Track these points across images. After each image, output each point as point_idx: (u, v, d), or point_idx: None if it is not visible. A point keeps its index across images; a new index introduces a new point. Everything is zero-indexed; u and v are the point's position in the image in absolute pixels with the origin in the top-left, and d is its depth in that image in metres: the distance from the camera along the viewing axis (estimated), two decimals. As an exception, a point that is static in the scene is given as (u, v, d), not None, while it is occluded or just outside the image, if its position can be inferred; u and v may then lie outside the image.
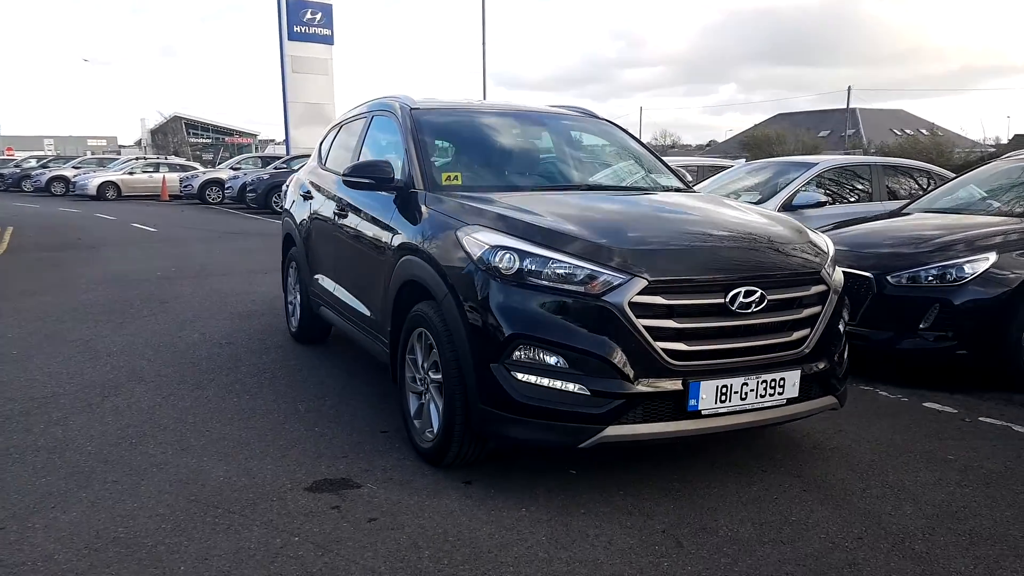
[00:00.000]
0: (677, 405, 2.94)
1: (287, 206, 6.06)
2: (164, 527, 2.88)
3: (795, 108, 73.58)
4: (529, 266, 2.99)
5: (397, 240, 3.77)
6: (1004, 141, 68.46)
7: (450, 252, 3.27)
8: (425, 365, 3.50)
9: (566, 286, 2.93)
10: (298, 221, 5.64)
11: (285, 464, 3.49)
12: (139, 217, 18.88)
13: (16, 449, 3.66)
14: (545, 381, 2.92)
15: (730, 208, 3.85)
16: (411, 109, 4.39)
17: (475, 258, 3.11)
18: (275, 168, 22.03)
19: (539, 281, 2.96)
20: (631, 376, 2.88)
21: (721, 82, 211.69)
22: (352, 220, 4.44)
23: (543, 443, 3.02)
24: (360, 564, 2.61)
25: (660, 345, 2.91)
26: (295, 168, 20.73)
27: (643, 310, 2.90)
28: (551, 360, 2.92)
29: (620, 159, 4.69)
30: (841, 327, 3.42)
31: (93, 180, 27.52)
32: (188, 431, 3.92)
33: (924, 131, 64.75)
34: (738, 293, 3.01)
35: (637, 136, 5.01)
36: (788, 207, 6.95)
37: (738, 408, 3.02)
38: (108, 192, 27.26)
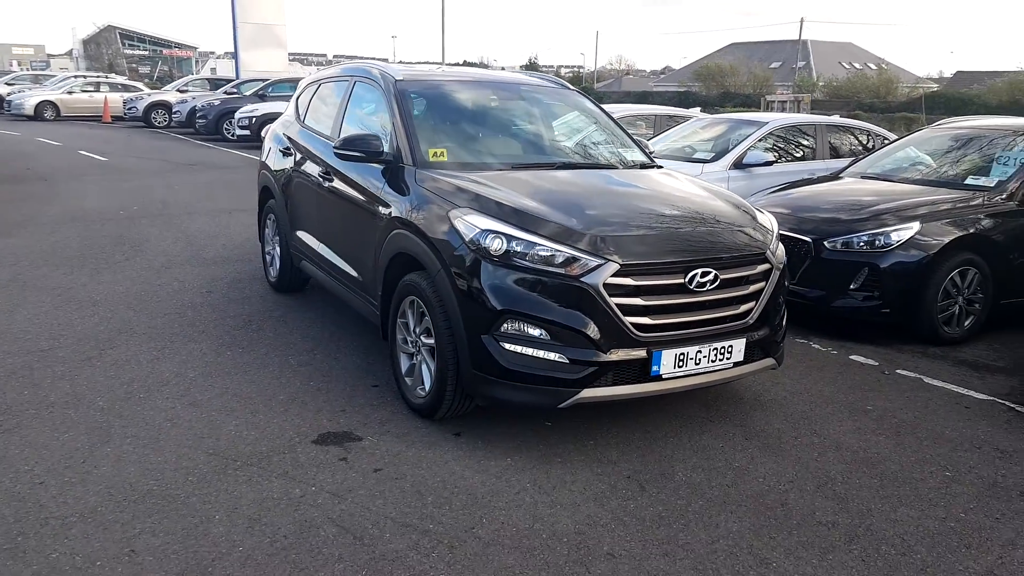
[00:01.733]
0: (642, 370, 3.40)
1: (264, 158, 6.25)
2: (191, 479, 3.26)
3: (749, 37, 73.95)
4: (515, 248, 3.37)
5: (389, 213, 4.08)
6: (948, 75, 70.01)
7: (442, 231, 3.62)
8: (417, 330, 3.88)
9: (549, 268, 3.33)
10: (277, 175, 5.87)
11: (289, 418, 3.87)
12: (85, 143, 18.44)
13: (30, 404, 3.96)
14: (529, 351, 3.34)
15: (689, 190, 4.26)
16: (395, 81, 4.64)
17: (467, 239, 3.47)
18: (226, 93, 21.53)
19: (524, 263, 3.35)
20: (603, 346, 3.33)
21: (676, 2, 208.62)
22: (340, 186, 4.71)
23: (527, 404, 3.47)
24: (373, 511, 3.04)
25: (628, 319, 3.35)
26: (247, 93, 20.49)
27: (615, 289, 3.33)
28: (534, 332, 3.34)
29: (590, 132, 5.02)
30: (781, 299, 3.90)
31: (30, 99, 26.51)
32: (191, 385, 4.25)
33: (872, 65, 65.84)
34: (696, 274, 3.46)
35: (602, 106, 5.34)
36: (739, 165, 7.39)
37: (693, 372, 3.51)
38: (46, 112, 26.34)
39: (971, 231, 5.29)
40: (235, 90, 21.91)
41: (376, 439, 3.67)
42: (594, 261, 3.32)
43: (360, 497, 3.14)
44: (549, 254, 3.34)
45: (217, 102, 20.36)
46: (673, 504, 3.15)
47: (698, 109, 14.01)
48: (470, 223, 3.51)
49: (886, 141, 8.06)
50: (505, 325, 3.36)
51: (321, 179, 4.99)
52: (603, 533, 2.93)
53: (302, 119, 5.81)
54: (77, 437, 3.62)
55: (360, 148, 4.25)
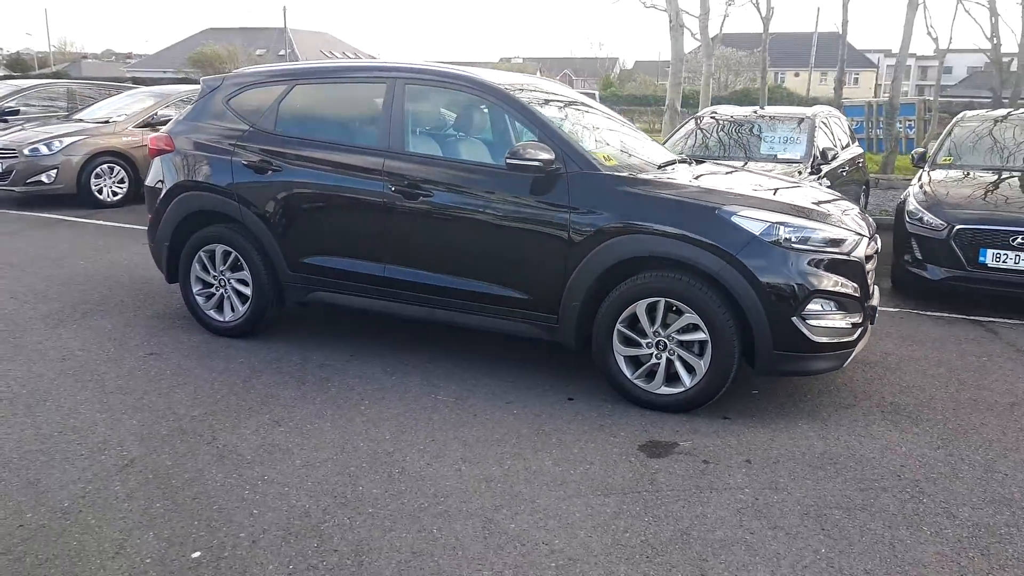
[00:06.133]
0: (868, 323, 4.20)
1: (191, 176, 5.01)
2: (622, 523, 3.03)
3: (226, 23, 72.66)
4: (800, 235, 3.84)
5: (591, 221, 4.01)
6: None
7: (718, 230, 3.82)
8: (661, 331, 3.98)
9: (831, 248, 3.89)
10: (248, 196, 4.81)
11: (577, 441, 3.67)
12: None
13: (289, 520, 3.00)
14: (829, 323, 3.87)
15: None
16: (501, 86, 4.42)
17: (757, 234, 3.79)
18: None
19: (810, 247, 3.84)
20: (864, 308, 4.04)
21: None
22: (454, 200, 4.31)
23: (822, 371, 3.99)
24: (827, 489, 3.29)
25: (868, 282, 4.12)
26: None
27: (866, 260, 4.06)
28: (829, 306, 3.87)
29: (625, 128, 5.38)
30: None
31: None
32: (418, 446, 3.61)
33: (348, 54, 70.68)
34: (875, 238, 4.38)
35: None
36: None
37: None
38: None
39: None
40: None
41: (689, 440, 3.75)
42: (856, 237, 4.01)
43: (794, 484, 3.35)
44: (830, 236, 3.90)
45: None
46: (936, 429, 4.06)
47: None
48: (754, 218, 3.84)
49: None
50: (811, 305, 3.82)
51: (398, 195, 4.40)
52: (988, 453, 3.71)
53: (272, 129, 4.86)
54: (465, 529, 2.96)
55: (538, 158, 4.04)
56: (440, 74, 4.60)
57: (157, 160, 5.21)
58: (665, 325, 3.99)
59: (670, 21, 13.35)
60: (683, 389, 3.99)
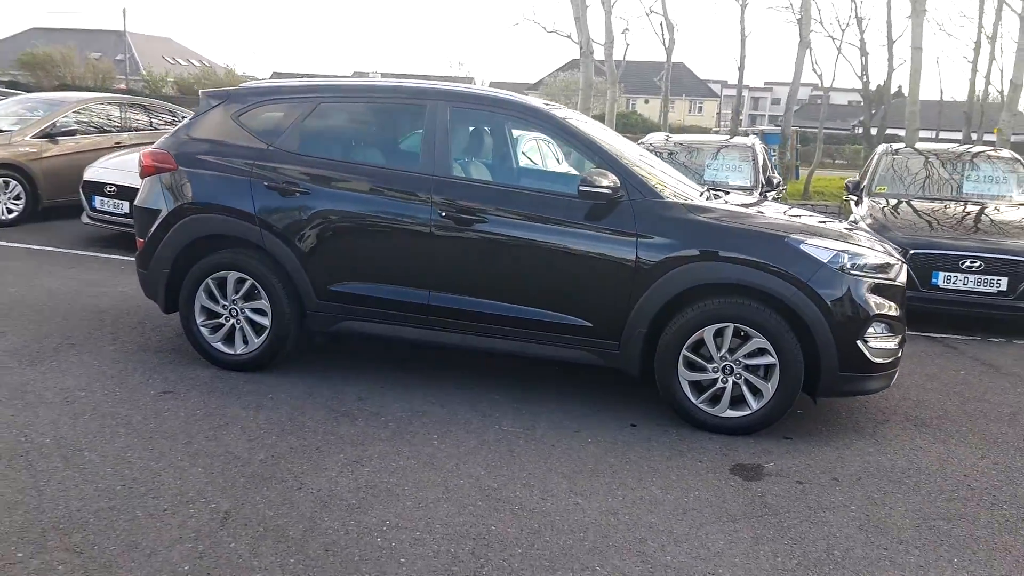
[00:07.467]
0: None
1: (223, 202, 4.58)
2: (767, 548, 3.11)
3: (53, 23, 67.33)
4: (858, 262, 4.08)
5: (660, 248, 4.08)
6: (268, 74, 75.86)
7: (789, 258, 3.99)
8: (726, 355, 4.09)
9: (882, 275, 4.16)
10: (278, 223, 4.49)
11: (669, 468, 3.71)
12: None
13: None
14: (883, 344, 4.12)
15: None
16: (549, 112, 4.42)
17: (825, 261, 3.99)
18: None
19: (866, 273, 4.09)
20: (905, 330, 4.35)
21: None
22: (511, 227, 4.24)
23: (876, 390, 4.23)
24: (918, 501, 3.51)
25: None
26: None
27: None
28: (882, 329, 4.13)
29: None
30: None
31: None
32: (520, 481, 3.52)
33: (194, 61, 67.42)
34: (898, 267, 4.74)
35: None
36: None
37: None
38: None
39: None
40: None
41: (771, 461, 3.87)
42: (899, 263, 4.31)
43: (889, 500, 3.53)
44: (883, 262, 4.17)
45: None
46: (988, 430, 4.42)
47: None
48: (820, 246, 4.04)
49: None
50: (871, 328, 4.06)
51: (449, 222, 4.27)
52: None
53: (295, 149, 4.58)
54: (627, 565, 2.90)
55: (606, 185, 4.07)
56: (488, 99, 4.53)
57: (153, 179, 4.77)
58: (731, 350, 4.11)
59: (581, 48, 13.77)
60: (749, 412, 4.12)
